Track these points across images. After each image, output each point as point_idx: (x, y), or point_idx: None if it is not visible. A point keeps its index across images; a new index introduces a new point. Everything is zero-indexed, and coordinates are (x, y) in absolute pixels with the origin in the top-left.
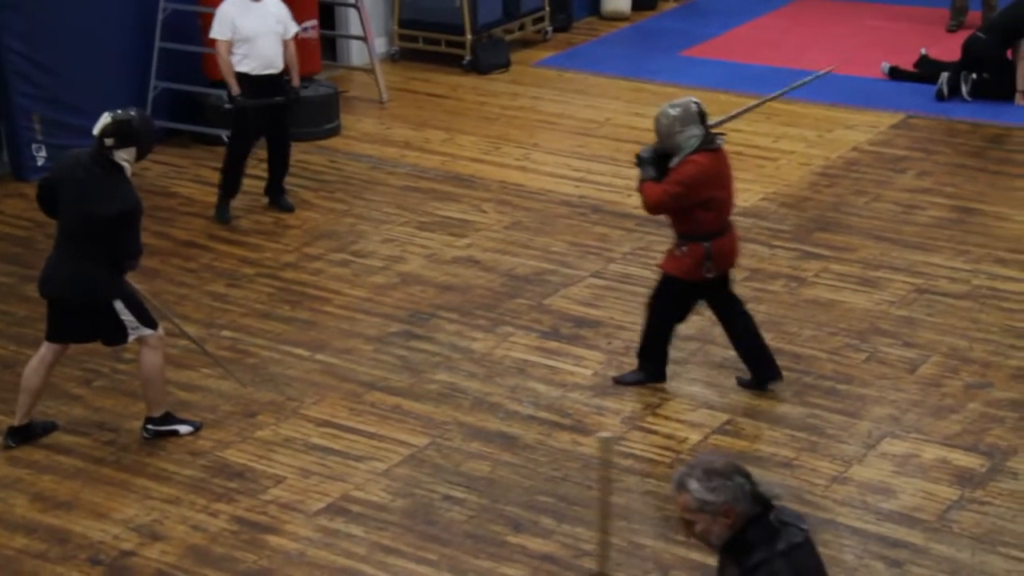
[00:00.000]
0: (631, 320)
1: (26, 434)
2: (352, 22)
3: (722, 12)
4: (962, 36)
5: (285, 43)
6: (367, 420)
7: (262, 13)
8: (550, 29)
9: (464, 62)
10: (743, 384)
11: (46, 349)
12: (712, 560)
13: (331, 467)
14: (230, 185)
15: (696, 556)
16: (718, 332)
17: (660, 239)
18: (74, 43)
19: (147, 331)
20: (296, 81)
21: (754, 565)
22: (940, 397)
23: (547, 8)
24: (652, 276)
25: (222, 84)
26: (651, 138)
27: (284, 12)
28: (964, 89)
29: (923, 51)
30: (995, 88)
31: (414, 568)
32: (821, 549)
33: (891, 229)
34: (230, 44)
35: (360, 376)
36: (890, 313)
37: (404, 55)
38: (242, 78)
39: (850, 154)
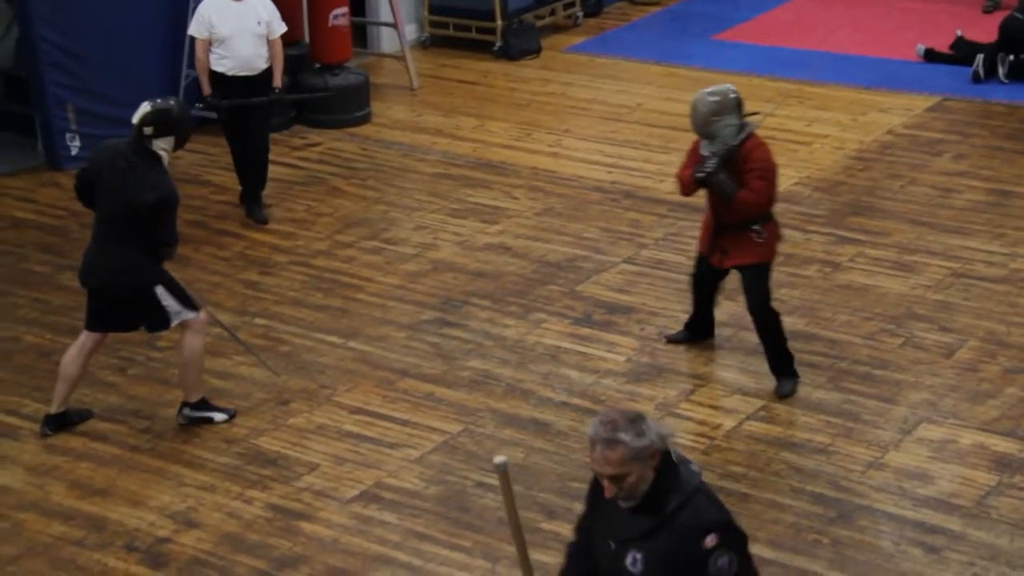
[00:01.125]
0: (663, 306)
1: (62, 422)
2: (383, 9)
3: None
4: (998, 17)
5: (270, 43)
6: (400, 407)
7: (243, 13)
8: (581, 14)
9: (495, 48)
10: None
11: (85, 337)
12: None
13: (364, 454)
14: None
15: None
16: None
17: (692, 224)
18: (107, 33)
19: (190, 314)
20: (278, 82)
21: (674, 509)
22: (977, 382)
23: None
24: (685, 262)
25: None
26: (685, 122)
27: (268, 12)
28: (1001, 71)
29: (959, 33)
30: None
31: (447, 555)
32: (858, 536)
33: (927, 213)
34: (207, 43)
35: (393, 363)
36: (926, 297)
37: (434, 41)
38: (217, 78)
39: (885, 137)
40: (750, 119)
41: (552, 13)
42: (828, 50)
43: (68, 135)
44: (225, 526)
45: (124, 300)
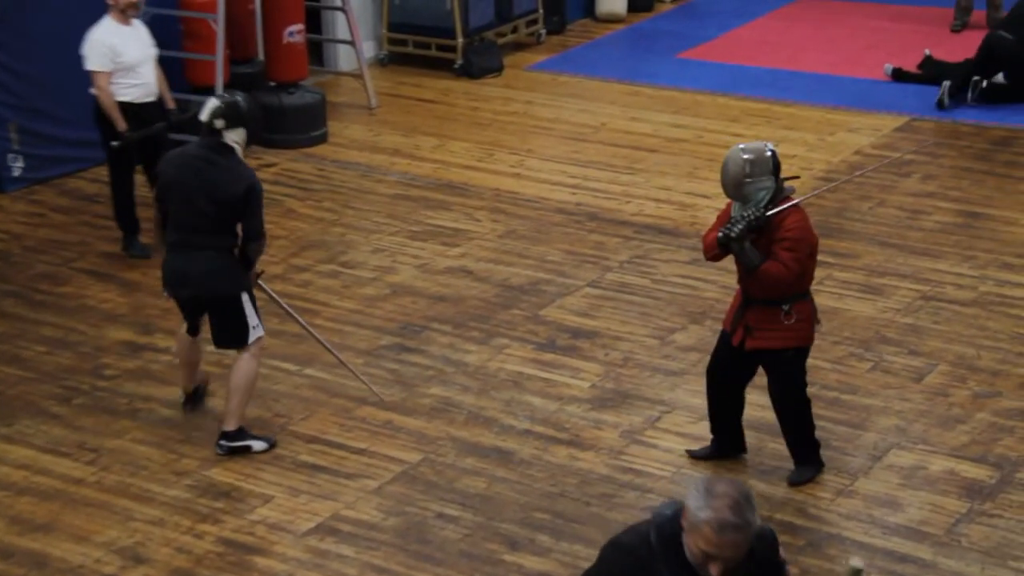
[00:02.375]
0: (628, 330)
1: (196, 398)
2: (340, 26)
3: (720, 13)
4: (966, 36)
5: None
6: (358, 436)
7: (137, 36)
8: (544, 32)
9: (455, 66)
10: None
11: (188, 337)
12: None
13: (321, 485)
14: (130, 222)
15: None
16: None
17: (658, 247)
18: (52, 52)
19: (261, 332)
20: (172, 103)
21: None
22: (947, 407)
23: (540, 10)
24: (650, 285)
25: (205, 91)
26: (650, 142)
27: (148, 33)
28: (970, 95)
29: (927, 52)
30: (1013, 92)
31: None
32: (827, 565)
33: (896, 235)
34: (110, 75)
35: (350, 391)
36: (895, 321)
37: (393, 59)
38: (125, 108)
39: (853, 158)
40: (788, 183)
41: (514, 31)
42: (795, 69)
43: (10, 155)
44: (175, 561)
45: (213, 308)
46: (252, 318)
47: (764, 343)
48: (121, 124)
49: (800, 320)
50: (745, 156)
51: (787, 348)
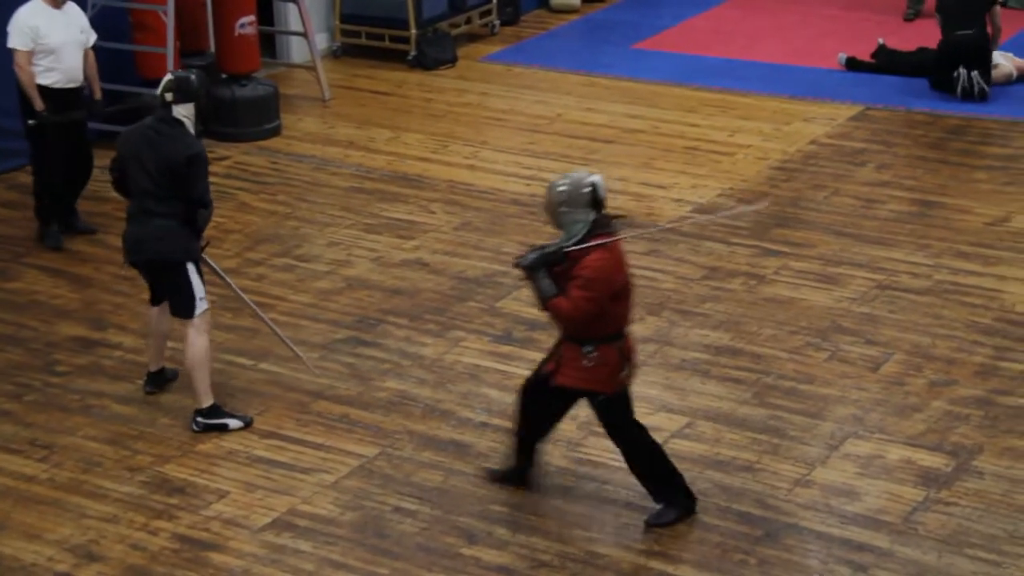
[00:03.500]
0: None
1: (160, 380)
2: (292, 17)
3: (674, 3)
4: (919, 25)
5: (85, 52)
6: (314, 431)
7: (66, 22)
8: (497, 23)
9: (409, 58)
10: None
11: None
12: (674, 569)
13: (277, 480)
14: (49, 209)
15: (656, 564)
16: (676, 333)
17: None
18: None
19: (204, 306)
20: (99, 94)
21: None
22: (904, 396)
23: (494, 1)
24: None
25: (155, 83)
26: (606, 132)
27: (85, 19)
28: (959, 88)
29: (881, 41)
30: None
31: None
32: (786, 555)
33: (851, 224)
34: (31, 55)
35: (306, 385)
36: (851, 310)
37: (346, 51)
38: (43, 92)
39: (808, 147)
40: (616, 219)
41: (468, 22)
42: (751, 59)
43: None
44: (129, 559)
45: (161, 273)
46: (199, 290)
47: (564, 380)
48: (38, 104)
49: (600, 365)
50: (561, 186)
51: (590, 390)
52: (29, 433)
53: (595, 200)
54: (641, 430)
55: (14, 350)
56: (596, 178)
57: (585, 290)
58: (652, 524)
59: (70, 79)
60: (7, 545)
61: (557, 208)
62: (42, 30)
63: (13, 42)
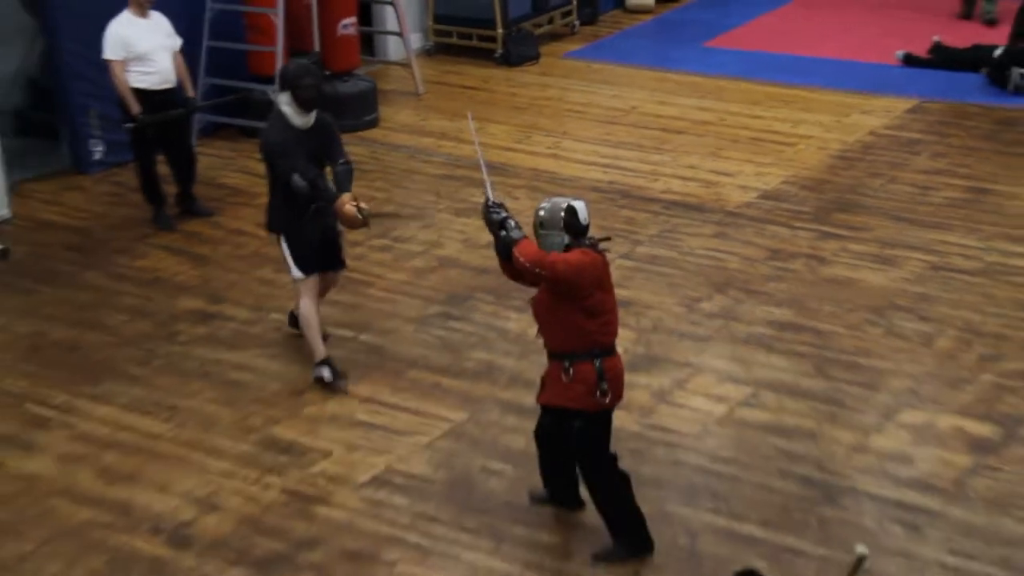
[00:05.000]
0: (658, 299)
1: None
2: (389, 19)
3: (743, 3)
4: (974, 24)
5: (173, 55)
6: (409, 396)
7: (152, 28)
8: (577, 23)
9: (496, 55)
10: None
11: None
12: (740, 526)
13: (375, 441)
14: (155, 196)
15: (722, 521)
16: (742, 310)
17: (685, 221)
18: None
19: (296, 274)
20: (192, 91)
21: None
22: (955, 369)
23: (574, 2)
24: (678, 257)
25: (266, 80)
26: (677, 124)
27: (170, 26)
28: (1011, 84)
29: (936, 38)
30: None
31: (455, 536)
32: (843, 515)
33: (906, 209)
34: (124, 63)
35: (402, 355)
36: (906, 290)
37: (438, 49)
38: (139, 95)
39: (866, 138)
40: (603, 243)
41: (550, 21)
42: (813, 55)
43: (91, 140)
44: (244, 510)
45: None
46: (289, 260)
47: (545, 398)
48: (134, 108)
49: (576, 381)
50: (541, 209)
51: (568, 408)
52: (156, 396)
53: (571, 223)
54: (613, 464)
55: (142, 321)
56: (578, 204)
57: (562, 261)
58: (599, 558)
59: (164, 80)
60: (139, 496)
61: (537, 229)
62: (132, 39)
63: (107, 53)
